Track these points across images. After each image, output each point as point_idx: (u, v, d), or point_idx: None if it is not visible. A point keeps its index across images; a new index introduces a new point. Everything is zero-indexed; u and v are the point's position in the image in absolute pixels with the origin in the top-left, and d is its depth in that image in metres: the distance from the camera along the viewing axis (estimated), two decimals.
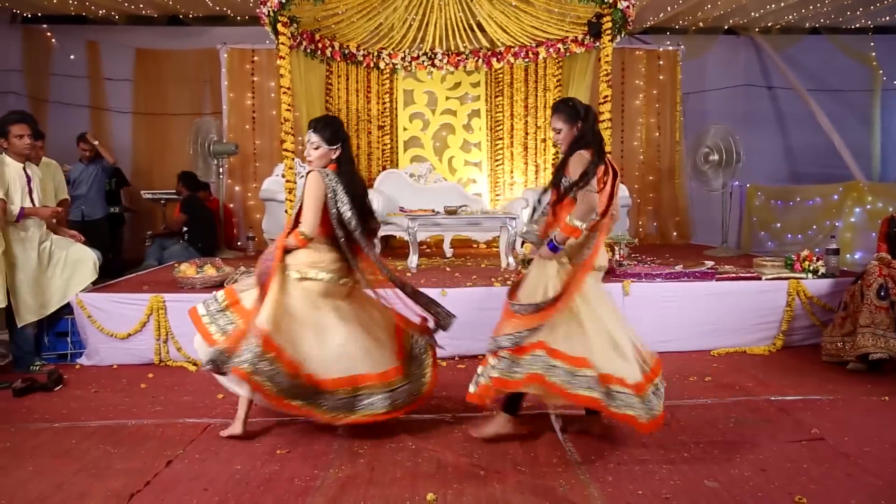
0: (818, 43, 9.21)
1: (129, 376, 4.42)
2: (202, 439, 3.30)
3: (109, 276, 5.66)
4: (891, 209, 5.63)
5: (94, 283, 4.90)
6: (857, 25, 9.11)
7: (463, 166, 8.57)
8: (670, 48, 9.09)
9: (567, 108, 3.24)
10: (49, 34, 8.79)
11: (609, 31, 5.91)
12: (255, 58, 8.64)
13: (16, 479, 2.86)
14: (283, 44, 5.82)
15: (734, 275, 5.14)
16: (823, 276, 5.08)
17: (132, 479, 2.84)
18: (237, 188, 8.84)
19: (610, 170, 3.18)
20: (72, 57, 8.83)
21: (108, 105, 8.95)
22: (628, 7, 5.79)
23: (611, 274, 5.25)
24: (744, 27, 9.21)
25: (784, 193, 8.09)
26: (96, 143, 7.25)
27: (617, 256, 5.62)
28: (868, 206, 6.91)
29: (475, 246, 7.91)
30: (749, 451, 3.05)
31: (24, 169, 4.51)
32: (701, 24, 9.01)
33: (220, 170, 7.84)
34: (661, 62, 9.14)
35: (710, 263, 5.42)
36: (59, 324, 4.83)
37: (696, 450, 3.09)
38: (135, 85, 8.95)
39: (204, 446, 3.21)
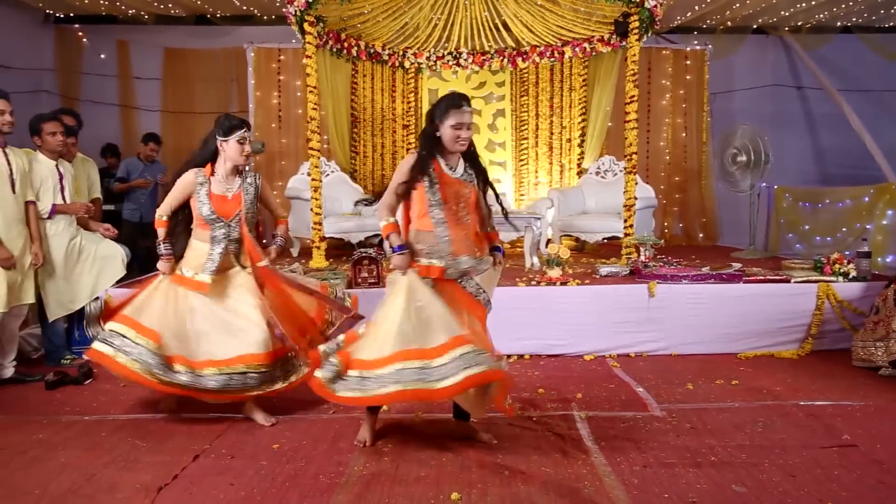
0: (850, 42, 9.04)
1: None
2: (228, 434, 3.33)
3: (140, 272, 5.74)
4: None
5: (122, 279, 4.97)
6: (891, 24, 8.94)
7: (487, 166, 8.52)
8: (697, 48, 8.99)
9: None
10: (80, 34, 8.92)
11: (636, 31, 5.86)
12: (282, 57, 8.69)
13: (49, 470, 2.92)
14: (309, 43, 5.84)
15: (762, 277, 5.07)
16: (854, 279, 5.00)
17: (160, 472, 2.88)
18: None
19: None
20: (102, 56, 8.95)
21: (137, 103, 9.06)
22: (656, 6, 5.73)
23: (636, 275, 5.22)
24: (773, 26, 9.08)
25: (813, 195, 7.95)
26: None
27: (642, 258, 5.58)
28: None
29: None
30: (778, 457, 3.01)
31: (56, 166, 4.58)
32: (729, 23, 8.90)
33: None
34: (688, 62, 9.03)
35: (737, 265, 5.35)
36: None
37: (723, 453, 3.05)
38: (163, 83, 9.06)
39: (230, 441, 3.24)
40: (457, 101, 3.05)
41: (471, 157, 3.21)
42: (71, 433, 3.37)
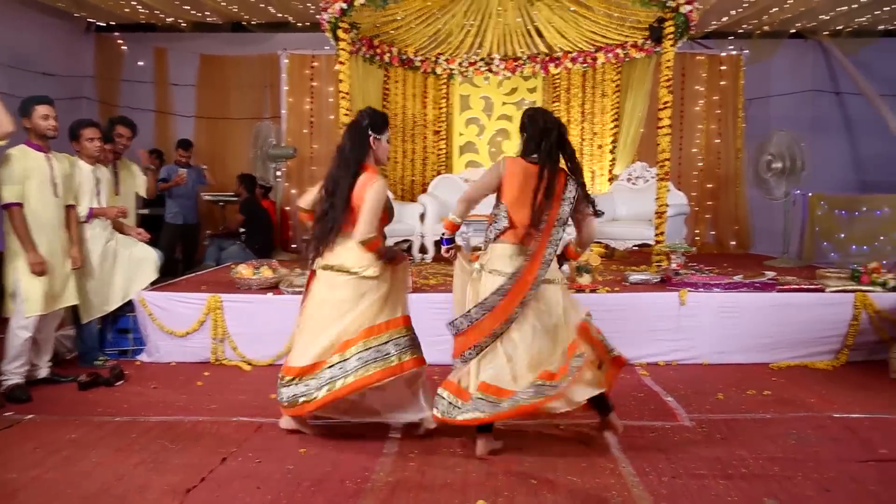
0: (892, 46, 8.84)
1: (187, 374, 4.54)
2: (255, 438, 3.36)
3: (172, 275, 5.84)
4: None
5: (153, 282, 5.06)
6: None
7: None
8: (733, 53, 8.87)
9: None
10: (120, 42, 9.15)
11: (670, 36, 5.79)
12: (315, 63, 8.78)
13: (81, 469, 2.97)
14: (342, 49, 5.89)
15: (796, 286, 4.97)
16: (894, 289, 4.86)
17: (188, 474, 2.91)
18: (294, 191, 8.99)
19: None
20: (140, 63, 9.17)
21: (173, 109, 9.25)
22: (691, 11, 5.65)
23: (666, 283, 5.15)
24: (812, 31, 8.91)
25: (849, 203, 7.77)
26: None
27: (673, 265, 5.50)
28: None
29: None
30: (812, 470, 2.93)
31: (93, 171, 4.68)
32: (766, 27, 8.75)
33: (278, 173, 8.00)
34: (722, 67, 8.91)
35: (770, 274, 5.25)
36: (121, 321, 4.98)
37: (754, 465, 2.99)
38: (198, 90, 9.24)
39: (257, 445, 3.27)
40: None
41: None
42: (103, 433, 3.43)
